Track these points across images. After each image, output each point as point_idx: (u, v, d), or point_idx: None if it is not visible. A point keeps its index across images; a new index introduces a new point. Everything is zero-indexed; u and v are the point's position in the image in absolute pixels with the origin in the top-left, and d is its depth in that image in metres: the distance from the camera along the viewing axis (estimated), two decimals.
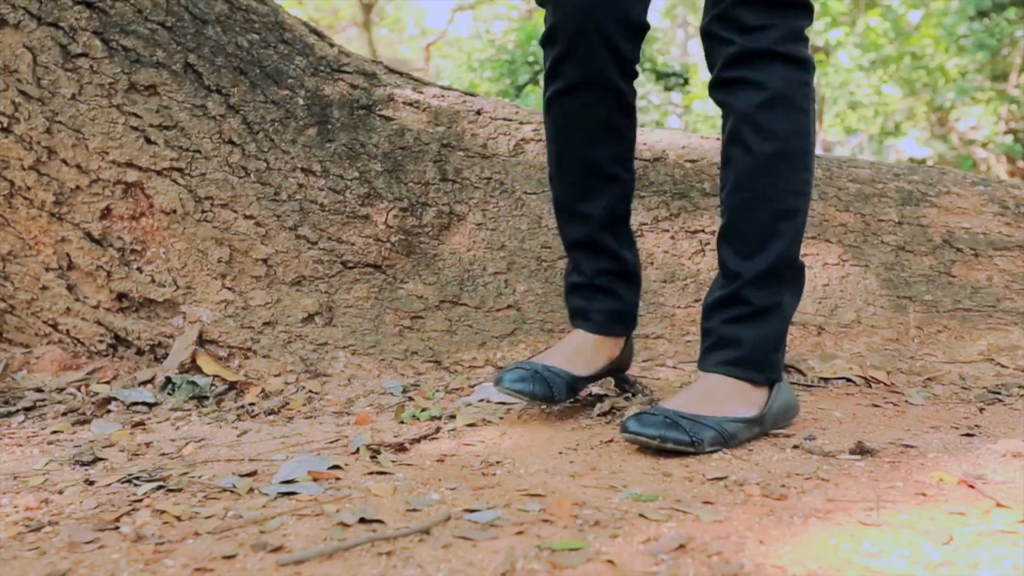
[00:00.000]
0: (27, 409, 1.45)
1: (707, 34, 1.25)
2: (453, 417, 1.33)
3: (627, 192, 1.35)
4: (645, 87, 9.86)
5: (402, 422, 1.31)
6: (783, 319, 1.24)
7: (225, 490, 1.00)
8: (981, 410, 1.40)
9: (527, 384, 1.24)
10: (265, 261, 1.58)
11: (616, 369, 1.40)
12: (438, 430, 1.26)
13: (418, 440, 1.21)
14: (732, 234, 1.23)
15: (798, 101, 1.21)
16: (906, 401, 1.45)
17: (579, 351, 1.34)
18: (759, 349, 1.21)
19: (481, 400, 1.41)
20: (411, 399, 1.45)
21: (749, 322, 1.21)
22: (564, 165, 1.32)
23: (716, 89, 1.24)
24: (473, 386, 1.50)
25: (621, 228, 1.35)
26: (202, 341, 1.58)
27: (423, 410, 1.36)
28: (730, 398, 1.18)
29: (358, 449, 1.15)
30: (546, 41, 1.27)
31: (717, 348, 1.22)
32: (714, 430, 1.12)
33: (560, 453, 1.14)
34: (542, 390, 1.25)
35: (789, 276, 1.24)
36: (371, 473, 1.06)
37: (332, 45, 1.75)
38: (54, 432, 1.32)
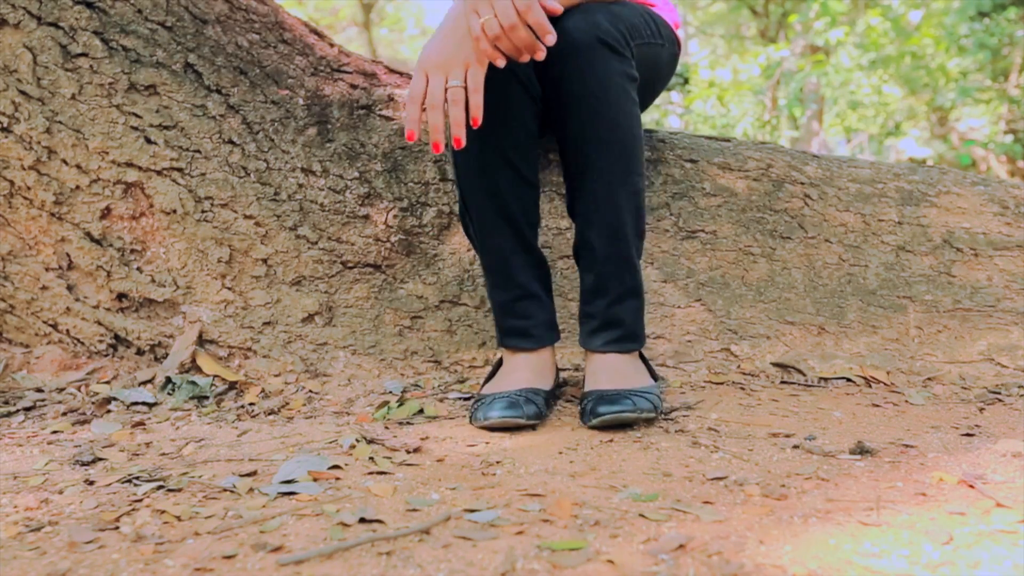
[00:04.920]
0: (27, 409, 1.45)
1: None
2: (453, 417, 1.33)
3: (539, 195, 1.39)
4: None
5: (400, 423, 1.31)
6: None
7: (225, 490, 1.00)
8: (981, 410, 1.40)
9: (517, 409, 1.24)
10: (265, 261, 1.58)
11: (560, 380, 1.43)
12: None
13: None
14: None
15: None
16: (906, 401, 1.45)
17: (535, 371, 1.33)
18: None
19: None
20: (402, 403, 1.45)
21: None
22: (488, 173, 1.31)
23: None
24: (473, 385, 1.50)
25: (537, 231, 1.38)
26: (202, 341, 1.58)
27: (419, 410, 1.36)
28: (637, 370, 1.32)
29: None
30: None
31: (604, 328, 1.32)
32: (655, 395, 1.27)
33: (560, 453, 1.14)
34: (533, 411, 1.25)
35: None
36: (371, 473, 1.06)
37: (332, 45, 1.75)
38: (54, 432, 1.32)
